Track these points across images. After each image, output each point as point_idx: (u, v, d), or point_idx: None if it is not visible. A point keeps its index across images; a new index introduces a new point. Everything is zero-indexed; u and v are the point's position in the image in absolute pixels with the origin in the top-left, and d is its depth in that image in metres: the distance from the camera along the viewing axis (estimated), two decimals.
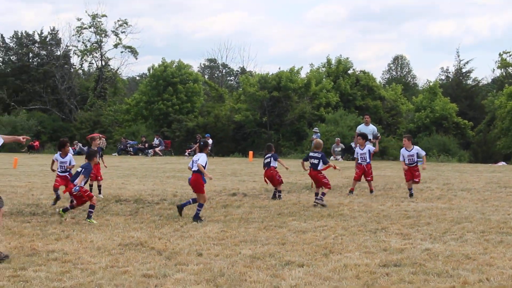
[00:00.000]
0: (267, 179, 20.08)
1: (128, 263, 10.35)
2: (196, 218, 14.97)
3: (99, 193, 19.72)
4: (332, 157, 46.77)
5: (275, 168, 20.16)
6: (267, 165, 20.06)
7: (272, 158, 20.04)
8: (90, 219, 14.95)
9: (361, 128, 25.43)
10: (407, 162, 20.60)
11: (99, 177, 20.02)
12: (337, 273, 9.58)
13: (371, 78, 65.87)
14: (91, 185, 19.66)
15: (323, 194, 17.99)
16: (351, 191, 20.95)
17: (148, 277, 9.47)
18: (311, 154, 18.58)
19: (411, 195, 19.93)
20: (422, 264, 10.11)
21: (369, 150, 21.48)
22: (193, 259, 10.59)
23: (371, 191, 20.98)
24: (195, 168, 15.36)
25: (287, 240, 12.33)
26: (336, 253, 11.01)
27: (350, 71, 66.18)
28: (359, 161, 21.46)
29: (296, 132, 57.75)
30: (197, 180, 15.29)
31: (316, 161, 18.30)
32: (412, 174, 20.39)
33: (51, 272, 9.76)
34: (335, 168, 18.97)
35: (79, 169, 15.57)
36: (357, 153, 21.65)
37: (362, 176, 21.25)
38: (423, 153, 21.33)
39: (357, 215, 15.72)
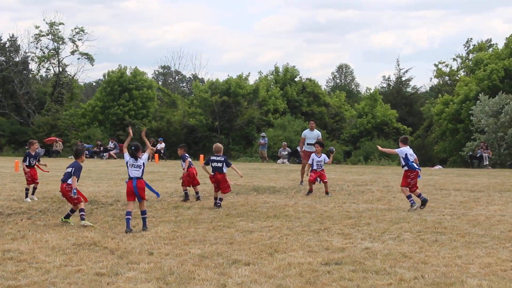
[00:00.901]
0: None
1: (82, 262, 10.28)
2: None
3: (32, 193, 19.39)
4: (279, 160, 46.90)
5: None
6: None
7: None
8: (84, 221, 14.52)
9: (306, 133, 25.55)
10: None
11: (36, 180, 19.71)
12: (281, 271, 9.62)
13: (316, 85, 66.32)
14: (27, 189, 19.37)
15: (221, 199, 18.03)
16: (310, 191, 21.09)
17: (100, 275, 9.41)
18: (212, 158, 18.36)
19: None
20: (362, 262, 10.20)
21: (324, 158, 21.61)
22: (144, 258, 10.55)
23: (327, 192, 21.01)
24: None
25: (235, 239, 12.34)
26: (281, 252, 11.05)
27: (296, 79, 66.58)
28: (314, 167, 21.50)
29: (245, 137, 57.88)
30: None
31: (220, 164, 18.14)
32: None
33: (7, 271, 9.64)
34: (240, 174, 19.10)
35: (69, 169, 15.00)
36: (313, 160, 21.64)
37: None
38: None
39: (302, 216, 15.78)
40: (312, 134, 25.30)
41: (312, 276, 9.34)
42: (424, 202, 17.19)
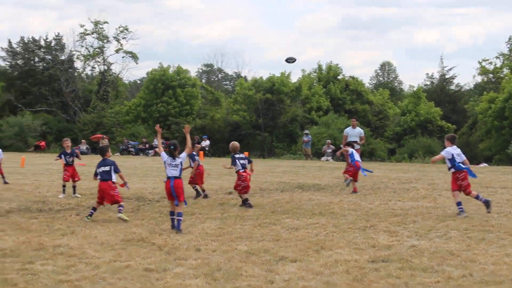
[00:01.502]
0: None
1: (130, 258, 10.38)
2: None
3: (74, 192, 19.64)
4: (323, 158, 46.76)
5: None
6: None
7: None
8: (121, 214, 14.74)
9: (348, 131, 25.54)
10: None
11: (76, 178, 19.99)
12: (328, 268, 9.62)
13: (359, 83, 66.10)
14: (64, 186, 19.65)
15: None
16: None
17: (149, 271, 9.49)
18: (237, 156, 17.76)
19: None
20: (409, 260, 10.15)
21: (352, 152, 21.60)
22: (191, 254, 10.62)
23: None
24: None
25: (281, 236, 12.36)
26: (327, 249, 11.04)
27: (339, 77, 66.35)
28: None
29: (289, 134, 57.84)
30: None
31: (245, 162, 17.72)
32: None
33: (58, 266, 9.79)
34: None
35: (106, 168, 15.05)
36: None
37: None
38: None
39: (347, 213, 15.73)
40: (354, 132, 25.28)
41: (359, 274, 9.32)
42: (487, 204, 15.76)
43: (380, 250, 11.01)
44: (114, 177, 15.09)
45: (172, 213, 13.47)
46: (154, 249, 11.17)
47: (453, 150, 16.02)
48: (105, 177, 15.01)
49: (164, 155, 13.77)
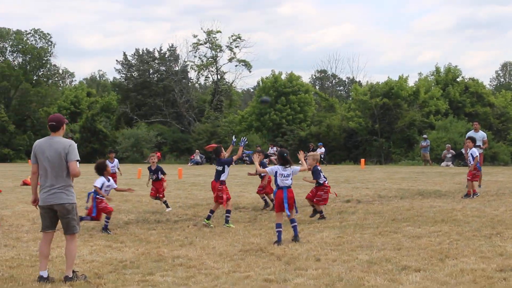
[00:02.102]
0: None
1: (250, 268, 10.45)
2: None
3: (167, 207, 19.28)
4: (443, 163, 45.90)
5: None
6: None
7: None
8: (228, 224, 15.24)
9: (471, 134, 25.04)
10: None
11: (160, 195, 19.45)
12: (454, 278, 9.41)
13: (480, 85, 64.63)
14: (164, 202, 19.55)
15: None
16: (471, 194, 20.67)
17: (269, 281, 9.53)
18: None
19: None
20: None
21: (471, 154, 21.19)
22: (311, 264, 10.60)
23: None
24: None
25: (403, 245, 12.19)
26: (451, 258, 10.81)
27: (458, 79, 65.08)
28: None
29: (406, 139, 56.96)
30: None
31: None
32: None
33: (177, 277, 9.95)
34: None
35: (219, 167, 16.31)
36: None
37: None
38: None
39: (471, 220, 15.36)
40: (477, 136, 24.76)
41: (487, 283, 9.07)
42: None
43: (508, 258, 10.69)
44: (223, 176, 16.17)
45: (279, 225, 13.09)
46: (273, 259, 11.21)
47: None
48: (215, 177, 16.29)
49: (274, 167, 13.59)
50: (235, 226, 15.39)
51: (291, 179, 13.34)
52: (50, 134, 10.13)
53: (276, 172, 13.31)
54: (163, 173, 19.71)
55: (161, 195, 19.45)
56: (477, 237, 12.98)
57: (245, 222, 16.11)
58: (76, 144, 10.30)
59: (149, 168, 19.89)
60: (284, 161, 13.34)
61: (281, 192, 13.20)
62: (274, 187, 13.72)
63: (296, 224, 13.31)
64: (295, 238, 13.03)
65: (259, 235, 14.03)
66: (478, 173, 21.38)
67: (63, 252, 10.74)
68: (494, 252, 11.22)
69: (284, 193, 13.16)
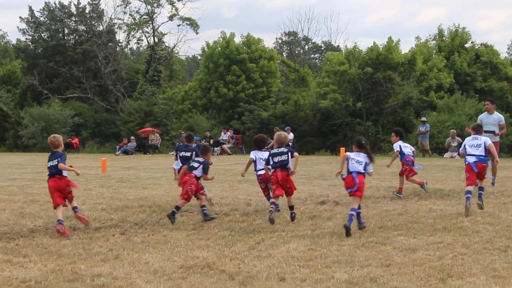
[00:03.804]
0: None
1: None
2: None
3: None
4: (447, 154, 46.30)
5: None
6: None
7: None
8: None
9: (483, 118, 24.99)
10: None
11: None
12: None
13: (495, 53, 65.14)
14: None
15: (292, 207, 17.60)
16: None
17: None
18: (274, 151, 17.65)
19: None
20: None
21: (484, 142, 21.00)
22: (273, 285, 10.62)
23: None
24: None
25: (392, 260, 12.24)
26: (455, 277, 10.89)
27: (467, 45, 65.51)
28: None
29: (399, 123, 57.15)
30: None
31: (285, 158, 17.37)
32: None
33: None
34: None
35: (196, 165, 17.99)
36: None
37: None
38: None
39: (481, 229, 15.50)
40: (490, 119, 24.77)
41: None
42: None
43: None
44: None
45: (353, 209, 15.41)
46: (224, 278, 11.19)
47: None
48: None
49: (351, 154, 16.15)
50: (176, 235, 15.30)
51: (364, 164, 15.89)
52: None
53: (348, 156, 16.08)
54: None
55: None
56: (489, 250, 13.10)
57: (188, 230, 16.05)
58: None
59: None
60: (360, 149, 16.27)
61: (351, 177, 15.68)
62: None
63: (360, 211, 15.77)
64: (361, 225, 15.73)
65: (206, 246, 14.00)
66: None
67: None
68: (511, 270, 11.32)
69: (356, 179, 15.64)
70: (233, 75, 63.85)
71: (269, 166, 17.46)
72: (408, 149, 21.98)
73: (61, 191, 16.50)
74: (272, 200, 16.95)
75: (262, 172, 18.31)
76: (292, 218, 17.05)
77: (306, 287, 10.50)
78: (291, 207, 17.31)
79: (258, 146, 18.98)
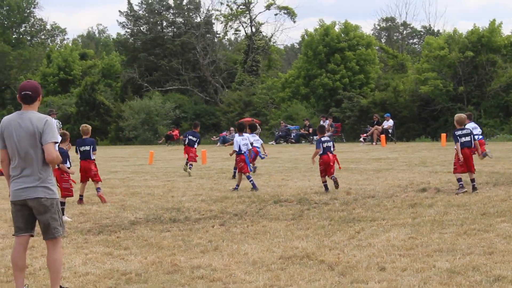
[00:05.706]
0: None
1: (292, 281, 10.39)
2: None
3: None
4: None
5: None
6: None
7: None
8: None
9: None
10: None
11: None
12: None
13: None
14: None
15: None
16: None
17: None
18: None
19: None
20: None
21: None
22: (373, 275, 10.49)
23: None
24: None
25: (495, 248, 12.01)
26: None
27: None
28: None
29: (503, 107, 56.13)
30: None
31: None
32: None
33: None
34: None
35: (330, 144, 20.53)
36: None
37: None
38: None
39: None
40: None
41: None
42: None
43: None
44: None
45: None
46: (323, 268, 11.11)
47: None
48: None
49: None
50: (275, 225, 15.26)
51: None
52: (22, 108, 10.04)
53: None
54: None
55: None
56: None
57: (287, 220, 16.00)
58: (55, 121, 10.20)
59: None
60: None
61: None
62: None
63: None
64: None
65: (306, 236, 13.93)
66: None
67: None
68: None
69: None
70: (334, 64, 63.56)
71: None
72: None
73: (87, 171, 20.12)
74: None
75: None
76: None
77: (406, 276, 10.35)
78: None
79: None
